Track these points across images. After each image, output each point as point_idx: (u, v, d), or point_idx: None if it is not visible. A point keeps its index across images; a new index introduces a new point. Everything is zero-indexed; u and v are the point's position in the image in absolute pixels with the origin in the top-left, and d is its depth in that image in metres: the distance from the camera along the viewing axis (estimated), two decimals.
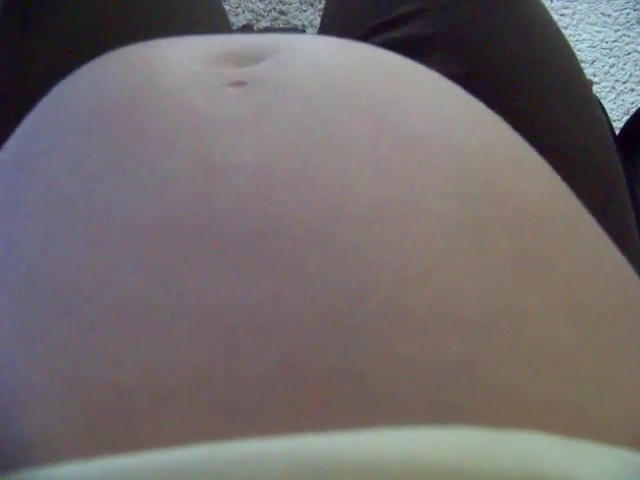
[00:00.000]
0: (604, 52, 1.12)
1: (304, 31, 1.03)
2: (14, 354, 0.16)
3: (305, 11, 1.12)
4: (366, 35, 0.39)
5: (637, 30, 1.13)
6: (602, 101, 1.02)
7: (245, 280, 0.16)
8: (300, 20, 1.11)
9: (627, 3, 1.15)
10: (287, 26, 1.10)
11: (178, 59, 0.23)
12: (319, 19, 1.11)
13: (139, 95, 0.21)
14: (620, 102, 1.08)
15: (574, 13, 1.14)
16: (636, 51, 1.12)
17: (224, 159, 0.19)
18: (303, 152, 0.19)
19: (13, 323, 0.17)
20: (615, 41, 1.13)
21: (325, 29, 0.47)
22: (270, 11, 1.11)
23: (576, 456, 0.14)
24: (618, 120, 1.06)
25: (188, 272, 0.16)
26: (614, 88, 1.10)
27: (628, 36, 1.13)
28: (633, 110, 1.07)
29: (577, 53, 1.10)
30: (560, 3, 1.15)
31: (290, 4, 1.12)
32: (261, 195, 0.18)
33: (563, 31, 0.40)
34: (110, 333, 0.16)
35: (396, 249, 0.17)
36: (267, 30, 0.99)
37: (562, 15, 1.14)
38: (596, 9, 1.15)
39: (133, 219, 0.18)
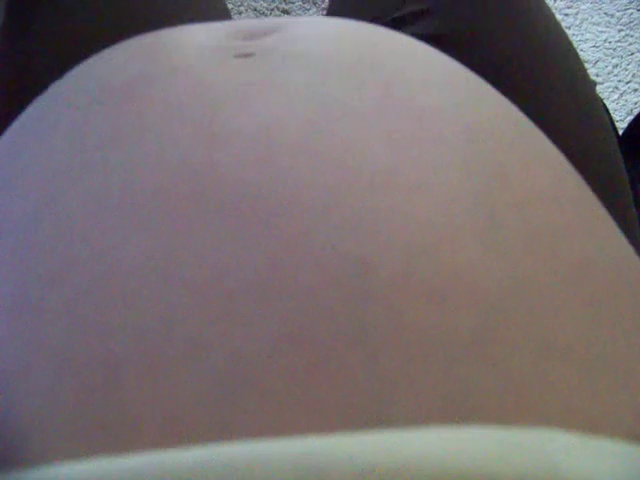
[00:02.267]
0: (607, 52, 1.12)
1: None
2: (4, 327, 0.15)
3: (308, 10, 1.11)
4: None
5: None
6: (605, 101, 1.02)
7: (246, 243, 0.15)
8: None
9: (630, 3, 1.15)
10: None
11: (187, 40, 0.23)
12: None
13: (144, 73, 0.21)
14: (623, 102, 1.08)
15: (577, 13, 1.14)
16: (639, 51, 1.11)
17: (227, 125, 0.18)
18: (310, 118, 0.18)
19: (4, 294, 0.16)
20: (618, 41, 1.12)
21: None
22: (273, 10, 1.11)
23: (595, 454, 0.13)
24: (621, 120, 1.06)
25: (185, 237, 0.16)
26: (617, 88, 1.09)
27: (631, 36, 1.13)
28: (636, 110, 1.07)
29: (580, 53, 1.10)
30: (563, 3, 1.15)
31: (293, 3, 1.12)
32: (264, 159, 0.17)
33: (566, 31, 0.40)
34: (102, 301, 0.15)
35: (407, 216, 0.16)
36: None
37: (565, 15, 1.14)
38: (599, 9, 1.14)
39: (130, 185, 0.17)
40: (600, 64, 1.11)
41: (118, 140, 0.18)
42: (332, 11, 0.47)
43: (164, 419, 0.14)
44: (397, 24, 0.39)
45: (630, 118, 1.06)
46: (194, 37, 0.23)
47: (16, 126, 0.23)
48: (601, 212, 0.21)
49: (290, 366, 0.14)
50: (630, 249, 0.21)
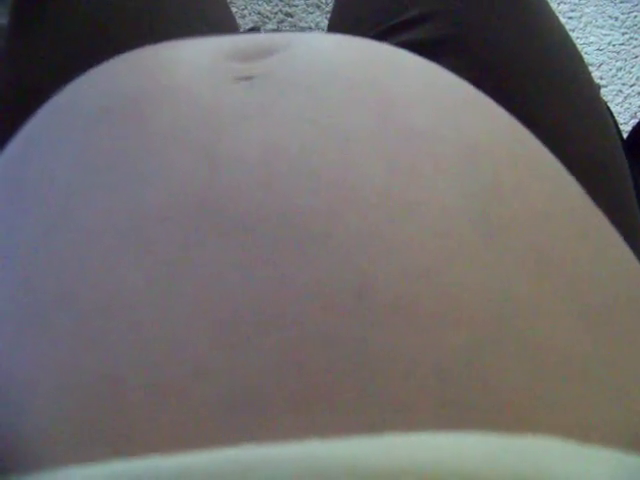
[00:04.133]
0: (611, 55, 1.12)
1: None
2: (11, 345, 0.16)
3: (312, 13, 1.12)
4: (375, 38, 0.39)
5: None
6: (609, 104, 1.02)
7: (247, 269, 0.16)
8: (307, 22, 1.11)
9: (635, 6, 1.15)
10: (294, 29, 1.10)
11: (187, 57, 0.23)
12: (326, 21, 1.11)
13: (145, 91, 0.21)
14: (627, 105, 1.08)
15: (581, 16, 1.14)
16: None
17: (228, 151, 0.18)
18: (307, 142, 0.18)
19: (11, 313, 0.16)
20: (622, 44, 1.12)
21: (332, 32, 0.47)
22: (277, 13, 1.11)
23: (589, 462, 0.14)
24: (625, 123, 1.06)
25: (188, 262, 0.16)
26: (621, 91, 1.09)
27: (636, 39, 1.13)
28: None
29: (584, 56, 1.10)
30: (567, 6, 1.15)
31: (297, 6, 1.12)
32: (264, 184, 0.17)
33: (570, 34, 0.40)
34: (108, 324, 0.15)
35: (403, 241, 0.16)
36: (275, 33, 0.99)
37: (569, 18, 1.14)
38: (603, 12, 1.14)
39: (134, 209, 0.17)
40: (604, 67, 1.11)
41: (123, 162, 0.19)
42: (335, 16, 0.47)
43: (169, 424, 0.14)
44: (400, 28, 0.39)
45: (634, 121, 1.06)
46: (193, 55, 0.23)
47: (21, 139, 0.23)
48: (602, 223, 0.21)
49: (291, 389, 0.14)
50: (632, 258, 0.21)
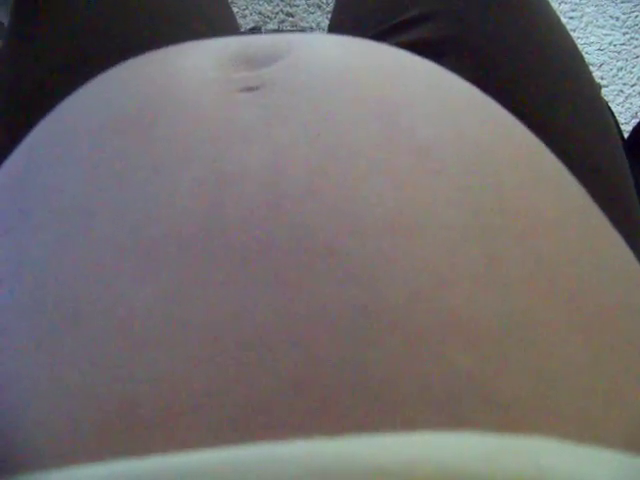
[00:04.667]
0: (612, 55, 1.12)
1: None
2: (22, 364, 0.16)
3: (313, 13, 1.12)
4: (375, 38, 0.39)
5: None
6: (610, 104, 1.02)
7: (254, 291, 0.16)
8: (308, 22, 1.11)
9: (635, 6, 1.15)
10: (295, 29, 1.10)
11: (191, 65, 0.23)
12: (327, 21, 1.11)
13: (151, 104, 0.21)
14: (628, 105, 1.08)
15: (582, 16, 1.14)
16: None
17: (234, 167, 0.18)
18: (312, 160, 0.19)
19: (22, 334, 0.17)
20: (623, 44, 1.12)
21: (333, 32, 0.47)
22: (278, 13, 1.11)
23: (585, 461, 0.14)
24: (626, 123, 1.06)
25: (197, 284, 0.16)
26: (622, 91, 1.09)
27: (636, 39, 1.13)
28: None
29: (585, 56, 1.10)
30: (568, 6, 1.15)
31: (298, 6, 1.12)
32: (270, 204, 0.17)
33: (571, 34, 0.40)
34: (120, 346, 0.16)
35: (407, 262, 0.17)
36: (276, 33, 0.99)
37: (570, 18, 1.14)
38: (604, 12, 1.14)
39: (142, 227, 0.18)
40: (605, 67, 1.11)
41: (129, 178, 0.19)
42: (336, 16, 0.47)
43: (177, 423, 0.14)
44: (401, 28, 0.39)
45: (635, 121, 1.06)
46: (197, 65, 0.23)
47: (25, 149, 0.23)
48: (603, 225, 0.21)
49: (297, 406, 0.14)
50: (633, 260, 0.21)
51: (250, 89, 0.21)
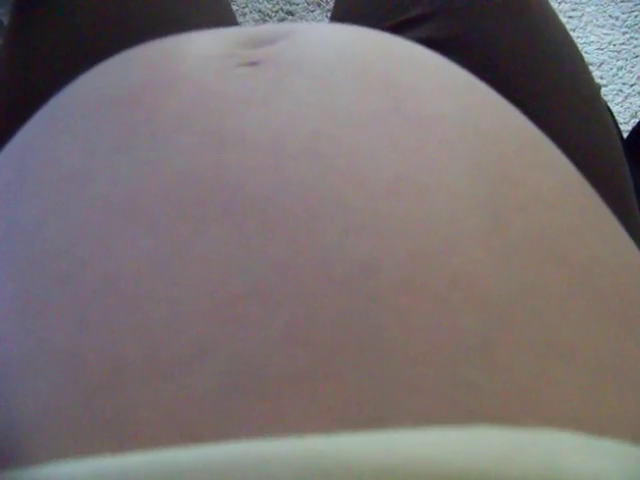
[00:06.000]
0: (612, 55, 1.11)
1: None
2: (10, 326, 0.16)
3: (313, 11, 1.12)
4: None
5: None
6: (610, 104, 1.02)
7: (252, 247, 0.15)
8: (307, 20, 1.11)
9: (635, 5, 1.15)
10: None
11: (192, 48, 0.23)
12: (326, 20, 1.11)
13: (152, 80, 0.21)
14: (628, 105, 1.08)
15: (582, 15, 1.14)
16: None
17: (233, 132, 0.18)
18: (315, 125, 0.18)
19: (11, 296, 0.16)
20: (623, 44, 1.12)
21: None
22: (277, 11, 1.11)
23: (602, 455, 0.14)
24: (625, 123, 1.06)
25: (192, 240, 0.16)
26: (622, 91, 1.09)
27: (636, 39, 1.13)
28: None
29: (585, 55, 1.10)
30: (568, 5, 1.14)
31: (297, 4, 1.12)
32: (271, 166, 0.17)
33: (571, 33, 0.40)
34: (109, 302, 0.15)
35: (413, 222, 0.16)
36: None
37: (570, 17, 1.14)
38: (604, 11, 1.14)
39: (137, 189, 0.17)
40: (605, 67, 1.11)
41: (126, 147, 0.19)
42: (336, 14, 0.47)
43: (166, 419, 0.14)
44: (401, 27, 0.39)
45: (635, 121, 1.06)
46: (199, 45, 0.23)
47: (25, 131, 0.23)
48: (607, 214, 0.21)
49: (294, 367, 0.14)
50: (636, 251, 0.21)
51: (251, 63, 0.21)
